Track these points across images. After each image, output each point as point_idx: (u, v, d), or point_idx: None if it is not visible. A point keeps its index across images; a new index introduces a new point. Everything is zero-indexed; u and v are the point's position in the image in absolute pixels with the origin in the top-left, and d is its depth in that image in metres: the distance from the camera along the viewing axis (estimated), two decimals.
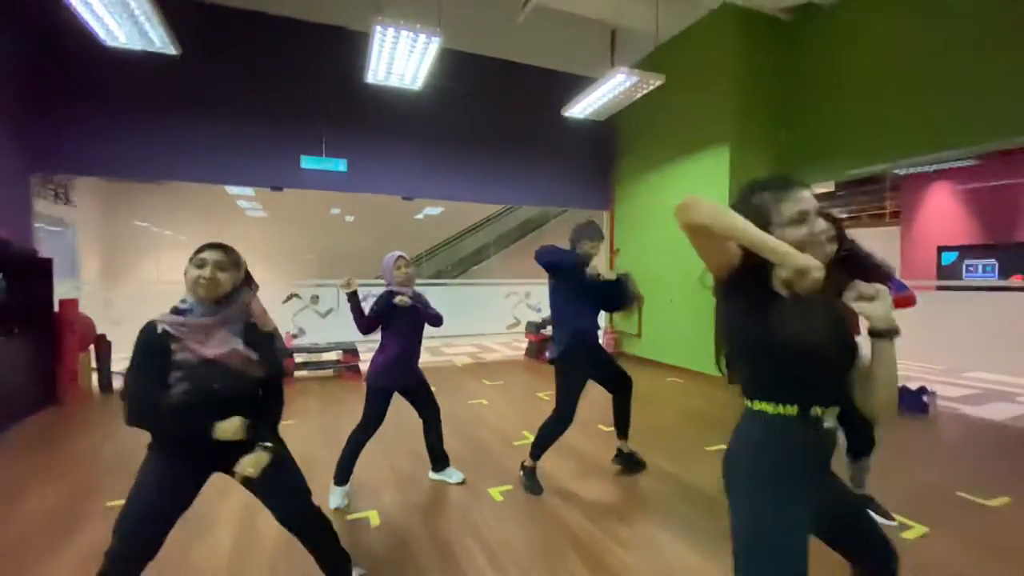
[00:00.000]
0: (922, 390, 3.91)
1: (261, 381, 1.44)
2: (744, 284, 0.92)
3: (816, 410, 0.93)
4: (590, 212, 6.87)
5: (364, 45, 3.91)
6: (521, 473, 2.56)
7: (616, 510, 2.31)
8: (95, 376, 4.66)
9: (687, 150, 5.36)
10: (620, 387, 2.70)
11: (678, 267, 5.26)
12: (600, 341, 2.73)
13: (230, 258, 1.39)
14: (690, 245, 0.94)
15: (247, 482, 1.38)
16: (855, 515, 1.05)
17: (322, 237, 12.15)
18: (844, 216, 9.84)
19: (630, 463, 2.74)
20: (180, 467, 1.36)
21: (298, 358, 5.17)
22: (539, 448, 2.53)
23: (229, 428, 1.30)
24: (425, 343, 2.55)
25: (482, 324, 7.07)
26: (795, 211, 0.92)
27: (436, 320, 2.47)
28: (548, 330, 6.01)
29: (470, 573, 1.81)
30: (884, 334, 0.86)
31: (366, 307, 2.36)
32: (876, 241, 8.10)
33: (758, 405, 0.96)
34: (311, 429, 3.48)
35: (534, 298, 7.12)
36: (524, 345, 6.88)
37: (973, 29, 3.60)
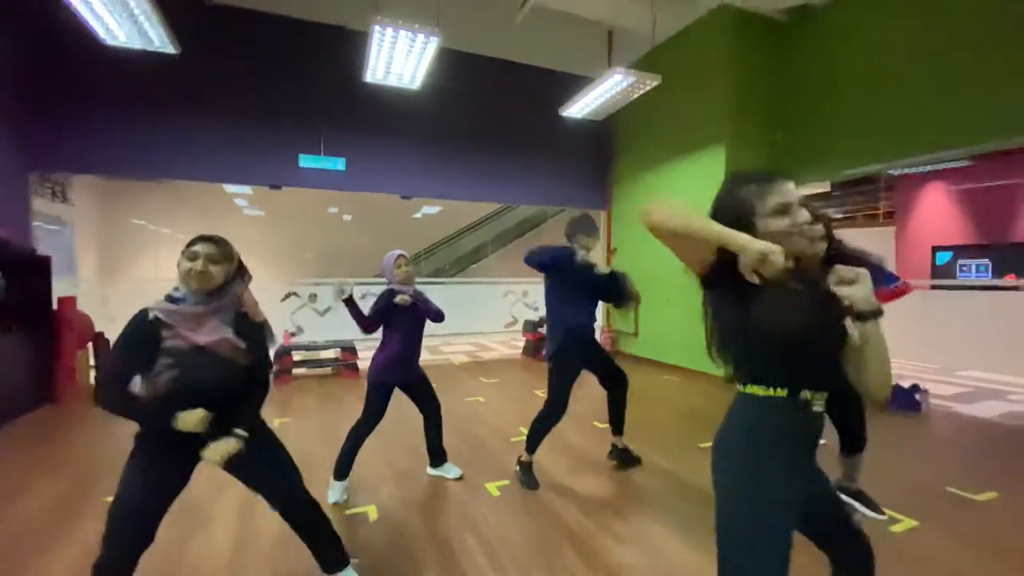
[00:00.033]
0: (914, 388, 3.95)
1: (248, 370, 1.45)
2: (722, 277, 0.95)
3: (805, 394, 0.96)
4: (587, 211, 6.90)
5: (363, 44, 3.93)
6: (517, 468, 2.59)
7: (612, 505, 2.34)
8: (93, 374, 4.67)
9: (684, 150, 5.39)
10: (616, 385, 2.72)
11: (675, 266, 5.17)
12: (597, 337, 2.75)
13: (222, 251, 1.41)
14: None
15: (233, 469, 1.41)
16: (838, 515, 1.07)
17: (320, 236, 12.15)
18: (840, 216, 9.90)
19: (625, 459, 2.78)
20: (167, 459, 1.37)
21: (296, 356, 5.19)
22: (533, 441, 2.56)
23: (191, 419, 1.28)
24: (424, 341, 2.57)
25: (480, 323, 7.10)
26: (778, 202, 0.95)
27: (437, 316, 2.48)
28: (545, 329, 6.04)
29: (467, 566, 1.84)
30: (867, 316, 0.89)
31: (363, 305, 2.39)
32: (871, 241, 8.16)
33: (749, 388, 0.99)
34: (310, 427, 3.50)
35: (531, 297, 7.15)
36: (521, 343, 6.91)
37: (968, 29, 3.64)
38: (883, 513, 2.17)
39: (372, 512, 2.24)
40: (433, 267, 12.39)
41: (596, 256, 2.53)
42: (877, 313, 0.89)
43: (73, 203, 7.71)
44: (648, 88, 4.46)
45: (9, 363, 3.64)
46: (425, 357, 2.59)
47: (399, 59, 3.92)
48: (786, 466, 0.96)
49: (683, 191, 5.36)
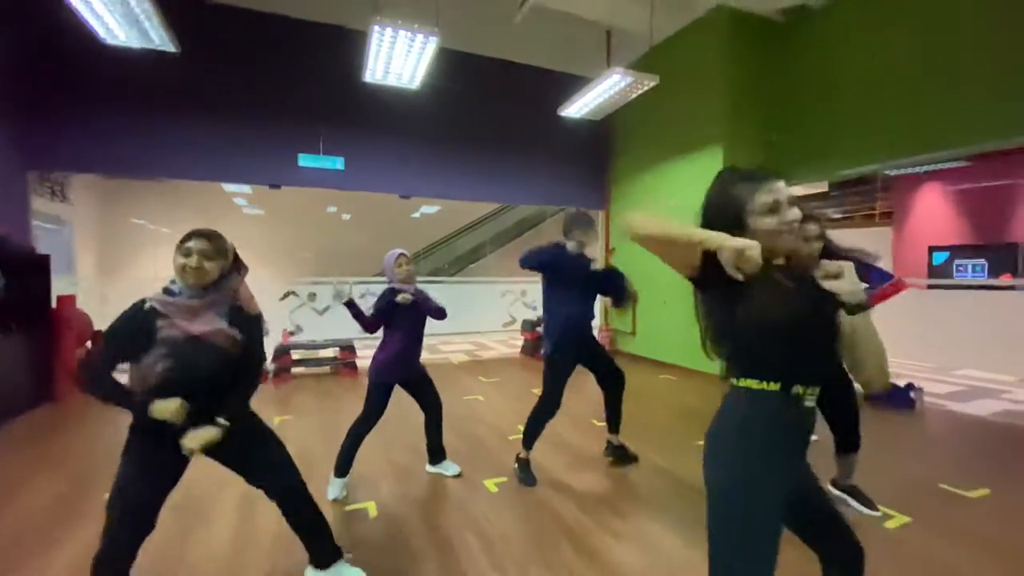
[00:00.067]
0: (909, 386, 3.99)
1: (241, 361, 1.46)
2: (712, 277, 0.97)
3: (798, 388, 0.98)
4: (586, 211, 6.92)
5: (362, 44, 3.94)
6: (516, 465, 2.61)
7: (609, 502, 2.36)
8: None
9: (681, 150, 5.42)
10: (613, 383, 2.74)
11: None
12: (595, 334, 2.76)
13: (215, 247, 1.42)
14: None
15: (231, 463, 1.43)
16: (828, 512, 1.08)
17: (318, 235, 12.16)
18: (837, 216, 9.94)
19: (622, 456, 2.80)
20: (160, 449, 1.37)
21: (295, 355, 5.20)
22: (530, 436, 2.58)
23: (166, 408, 1.28)
24: (423, 341, 2.59)
25: (478, 322, 7.12)
26: (769, 200, 0.97)
27: (439, 313, 2.50)
28: (542, 328, 6.05)
29: (465, 562, 1.86)
30: (854, 308, 0.91)
31: (363, 304, 2.40)
32: (869, 241, 8.18)
33: (743, 382, 1.01)
34: (308, 425, 3.52)
35: (530, 296, 7.17)
36: (520, 343, 6.93)
37: (964, 30, 3.66)
38: (876, 509, 2.20)
39: (372, 508, 2.26)
40: (432, 266, 12.40)
41: (592, 250, 2.55)
42: (863, 306, 0.91)
43: (72, 202, 7.70)
44: (646, 88, 4.48)
45: (8, 362, 3.65)
46: (424, 356, 2.61)
47: (398, 59, 3.93)
48: (777, 459, 0.98)
49: (681, 191, 5.39)
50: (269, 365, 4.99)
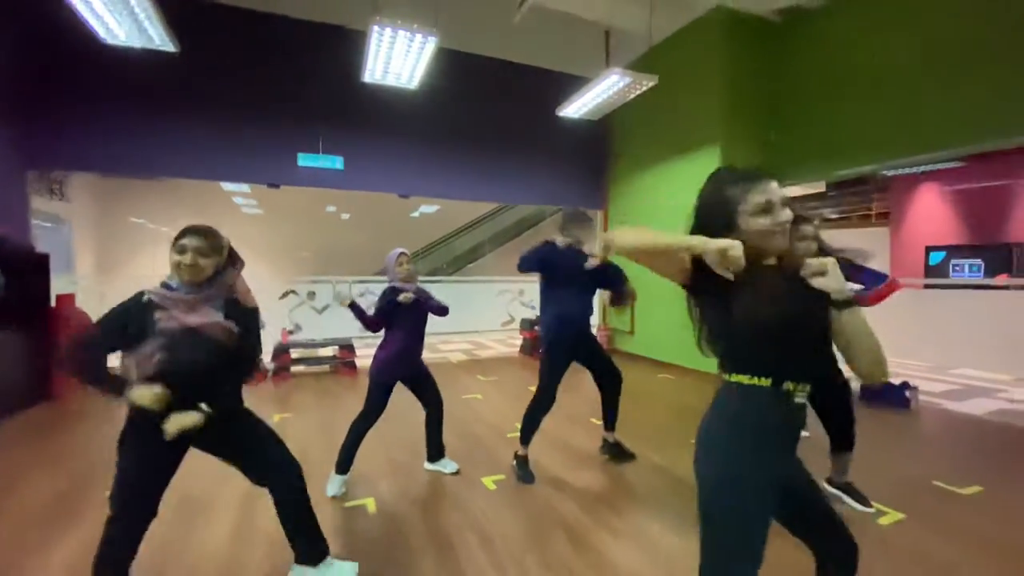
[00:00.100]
0: (904, 385, 4.02)
1: (237, 352, 1.48)
2: (703, 280, 0.99)
3: (788, 384, 0.99)
4: (584, 209, 6.94)
5: (361, 44, 3.95)
6: (514, 462, 2.63)
7: (607, 500, 2.38)
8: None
9: (680, 150, 5.44)
10: (610, 382, 2.76)
11: None
12: (593, 331, 2.77)
13: (210, 243, 1.43)
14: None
15: (230, 458, 1.44)
16: (821, 509, 1.10)
17: (317, 234, 12.17)
18: (834, 216, 9.97)
19: (618, 453, 2.82)
20: (156, 443, 1.35)
21: (294, 354, 5.21)
22: (527, 432, 2.60)
23: (144, 395, 1.26)
24: (425, 339, 2.60)
25: (477, 321, 7.14)
26: (762, 201, 0.99)
27: (441, 311, 2.52)
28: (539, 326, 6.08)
29: (463, 558, 1.88)
30: (841, 304, 0.93)
31: (363, 303, 2.42)
32: (866, 241, 8.22)
33: (735, 377, 1.02)
34: (308, 424, 3.53)
35: (528, 295, 7.19)
36: (518, 342, 6.95)
37: (961, 31, 3.68)
38: (870, 506, 2.22)
39: (371, 505, 2.28)
40: (431, 266, 12.42)
41: (590, 246, 2.56)
42: (849, 302, 0.93)
43: (71, 201, 7.71)
44: (644, 88, 4.50)
45: (7, 360, 3.66)
46: (423, 355, 2.62)
47: (397, 59, 3.94)
48: (767, 454, 1.00)
49: (679, 191, 5.41)
50: (268, 364, 5.00)
